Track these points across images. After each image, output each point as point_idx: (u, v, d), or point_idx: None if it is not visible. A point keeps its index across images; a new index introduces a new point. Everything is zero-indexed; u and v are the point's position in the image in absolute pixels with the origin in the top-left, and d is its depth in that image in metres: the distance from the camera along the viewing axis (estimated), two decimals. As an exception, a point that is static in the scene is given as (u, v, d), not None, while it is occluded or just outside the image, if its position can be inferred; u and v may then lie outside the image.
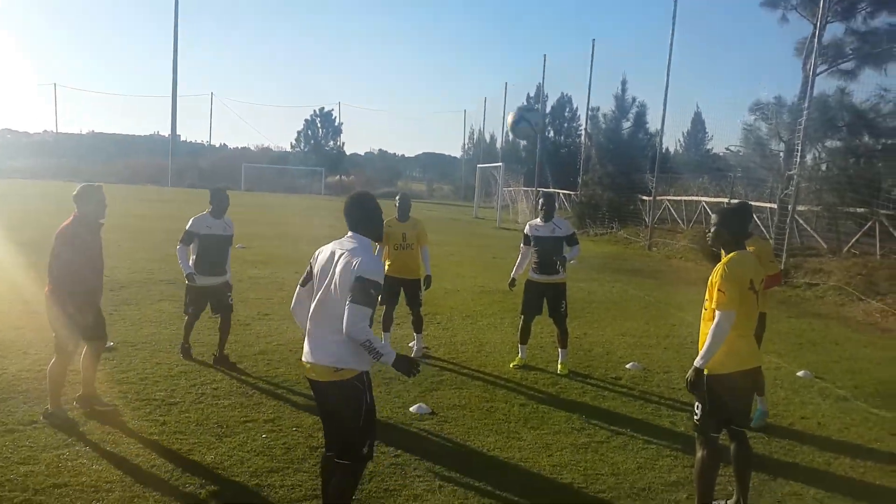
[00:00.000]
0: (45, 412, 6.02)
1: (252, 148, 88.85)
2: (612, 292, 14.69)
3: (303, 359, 4.22)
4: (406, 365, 4.14)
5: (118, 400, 6.59)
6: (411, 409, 6.78)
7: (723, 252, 4.89)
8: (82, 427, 5.88)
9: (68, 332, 6.04)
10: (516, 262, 8.78)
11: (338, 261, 4.12)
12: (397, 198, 9.05)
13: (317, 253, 4.33)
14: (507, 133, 63.85)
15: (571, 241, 8.47)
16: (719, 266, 4.73)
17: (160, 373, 7.52)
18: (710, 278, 4.76)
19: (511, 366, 8.53)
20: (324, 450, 4.45)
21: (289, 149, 79.31)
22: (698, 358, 4.67)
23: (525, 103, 59.73)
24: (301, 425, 6.24)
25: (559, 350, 8.56)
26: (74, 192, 6.15)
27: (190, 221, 8.04)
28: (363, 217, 4.33)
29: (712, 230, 4.95)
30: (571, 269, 8.41)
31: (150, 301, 11.30)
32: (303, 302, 4.36)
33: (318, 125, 76.41)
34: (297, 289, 4.40)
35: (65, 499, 4.67)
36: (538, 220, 8.47)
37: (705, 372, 4.72)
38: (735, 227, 4.89)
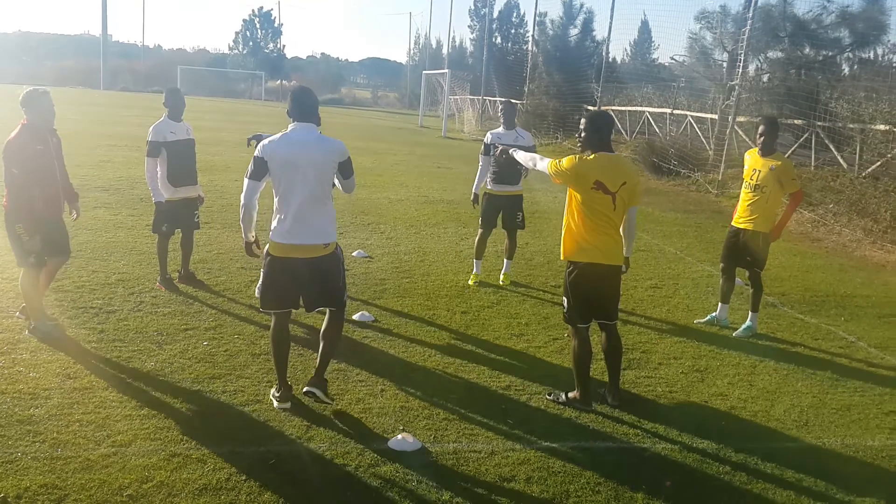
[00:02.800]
0: (29, 327, 5.87)
1: (188, 49, 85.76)
2: (555, 202, 14.82)
3: (293, 242, 4.69)
4: None
5: (54, 308, 6.48)
6: (354, 316, 6.83)
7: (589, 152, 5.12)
8: (17, 335, 5.80)
9: (23, 250, 5.78)
10: (476, 175, 8.36)
11: (310, 154, 4.64)
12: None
13: (266, 147, 4.64)
14: (453, 38, 62.53)
15: (532, 152, 8.26)
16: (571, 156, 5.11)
17: (97, 280, 7.40)
18: None
19: (470, 283, 8.34)
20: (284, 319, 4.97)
21: (227, 51, 76.75)
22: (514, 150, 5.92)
23: (472, 7, 58.54)
24: (242, 333, 6.25)
25: (504, 261, 8.58)
26: (21, 98, 5.77)
27: (151, 131, 7.14)
28: (314, 108, 4.80)
29: (583, 134, 5.17)
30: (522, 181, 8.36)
31: (85, 208, 10.91)
32: (252, 193, 4.74)
33: (257, 26, 73.83)
34: (250, 182, 4.71)
35: (2, 406, 4.63)
36: (500, 129, 8.20)
37: (563, 259, 5.23)
38: (601, 130, 5.13)
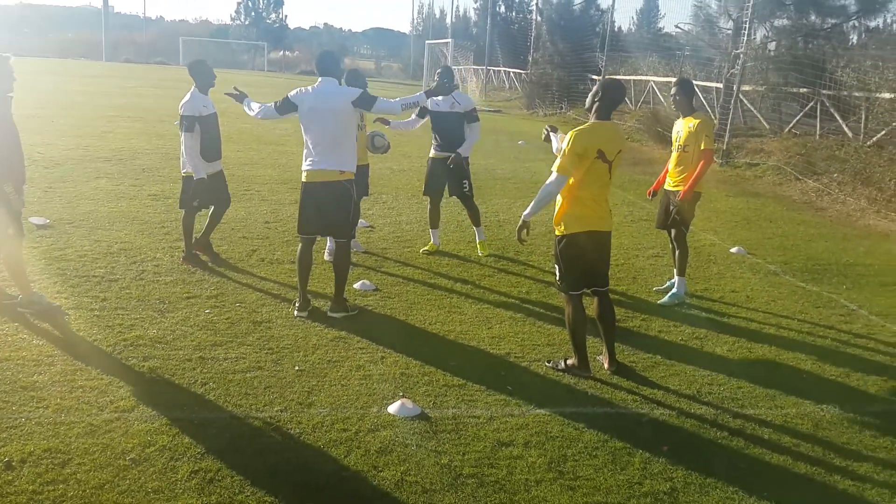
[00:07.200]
0: (20, 304, 5.68)
1: (190, 20, 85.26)
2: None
3: (314, 168, 5.84)
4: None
5: (56, 277, 6.52)
6: (355, 285, 6.85)
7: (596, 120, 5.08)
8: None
9: (3, 220, 5.47)
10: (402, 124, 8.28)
11: (329, 101, 5.77)
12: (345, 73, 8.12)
13: (297, 94, 5.88)
14: (456, 7, 61.70)
15: (471, 118, 7.85)
16: (570, 132, 5.00)
17: (99, 250, 7.42)
18: None
19: (421, 251, 8.26)
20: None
21: (229, 21, 76.25)
22: (526, 211, 5.07)
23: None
24: (244, 301, 6.29)
25: (475, 230, 8.36)
26: None
27: (184, 106, 6.96)
28: (333, 65, 5.92)
29: (596, 103, 5.08)
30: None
31: (87, 178, 11.00)
32: (269, 116, 6.07)
33: (259, -5, 73.23)
34: (272, 110, 6.01)
35: (6, 372, 4.68)
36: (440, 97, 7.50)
37: (557, 233, 5.16)
38: (615, 100, 5.11)
